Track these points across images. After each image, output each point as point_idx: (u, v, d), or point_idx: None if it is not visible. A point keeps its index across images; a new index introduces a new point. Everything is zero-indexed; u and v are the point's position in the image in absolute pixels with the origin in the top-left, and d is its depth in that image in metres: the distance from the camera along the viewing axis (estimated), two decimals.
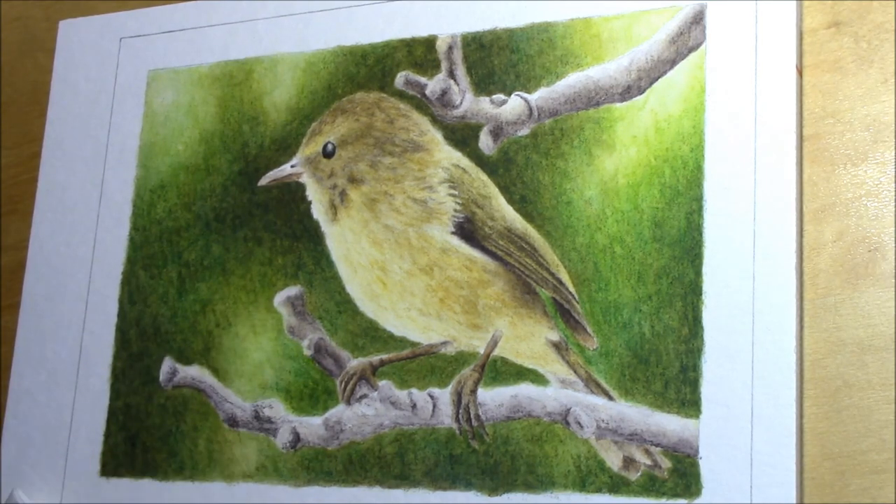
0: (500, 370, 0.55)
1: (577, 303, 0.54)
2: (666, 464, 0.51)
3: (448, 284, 0.56)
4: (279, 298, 0.60)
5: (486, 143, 0.57)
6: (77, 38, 0.68)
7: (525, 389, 0.54)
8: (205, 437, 0.59)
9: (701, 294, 0.52)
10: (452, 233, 0.56)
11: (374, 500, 0.55)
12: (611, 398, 0.52)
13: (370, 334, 0.57)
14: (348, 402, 0.57)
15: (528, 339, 0.55)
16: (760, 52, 0.52)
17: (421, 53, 0.59)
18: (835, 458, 0.49)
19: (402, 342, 0.57)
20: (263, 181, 0.61)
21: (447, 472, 0.54)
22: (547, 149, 0.56)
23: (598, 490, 0.52)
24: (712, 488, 0.50)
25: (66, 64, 0.68)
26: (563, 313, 0.54)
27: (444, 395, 0.55)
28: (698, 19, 0.54)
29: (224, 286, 0.61)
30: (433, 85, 0.59)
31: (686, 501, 0.50)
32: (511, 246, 0.55)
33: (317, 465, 0.57)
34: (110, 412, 0.62)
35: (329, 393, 0.58)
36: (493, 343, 0.55)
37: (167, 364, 0.61)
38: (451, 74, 0.58)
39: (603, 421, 0.52)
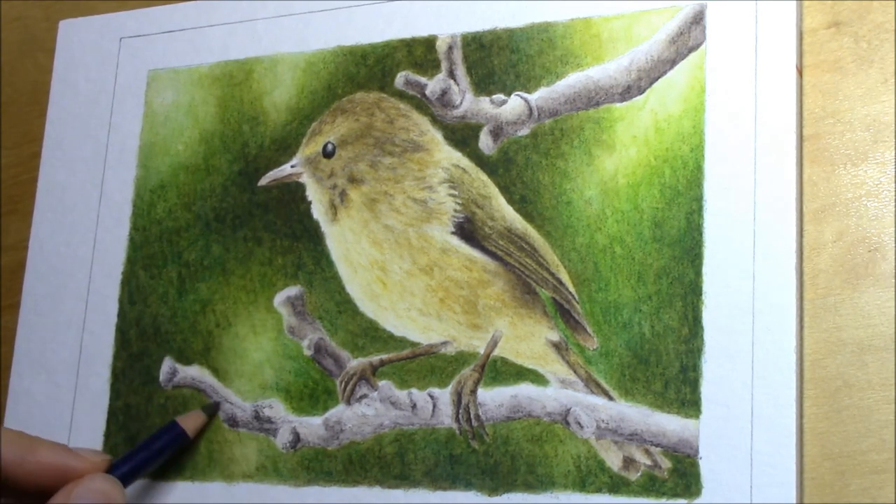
0: (500, 370, 0.55)
1: (577, 303, 0.54)
2: (666, 464, 0.51)
3: (448, 284, 0.56)
4: (279, 298, 0.60)
5: (486, 143, 0.57)
6: (77, 38, 0.68)
7: (525, 389, 0.54)
8: (205, 437, 0.59)
9: (701, 294, 0.52)
10: (452, 233, 0.56)
11: (374, 500, 0.55)
12: (611, 398, 0.52)
13: (370, 334, 0.57)
14: (348, 402, 0.57)
15: (528, 339, 0.55)
16: (760, 52, 0.52)
17: (421, 53, 0.59)
18: (835, 458, 0.49)
19: (402, 342, 0.57)
20: (263, 181, 0.61)
21: (447, 472, 0.54)
22: (547, 149, 0.56)
23: (598, 490, 0.52)
24: (712, 488, 0.50)
25: (66, 64, 0.68)
26: (563, 313, 0.54)
27: (444, 395, 0.55)
28: (698, 19, 0.54)
29: (224, 286, 0.61)
30: (433, 85, 0.59)
31: (686, 501, 0.50)
32: (511, 246, 0.55)
33: (317, 465, 0.57)
34: (110, 412, 0.62)
35: (329, 393, 0.58)
36: (493, 343, 0.55)
37: (167, 364, 0.61)
38: (451, 74, 0.58)
39: (603, 421, 0.52)
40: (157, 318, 0.62)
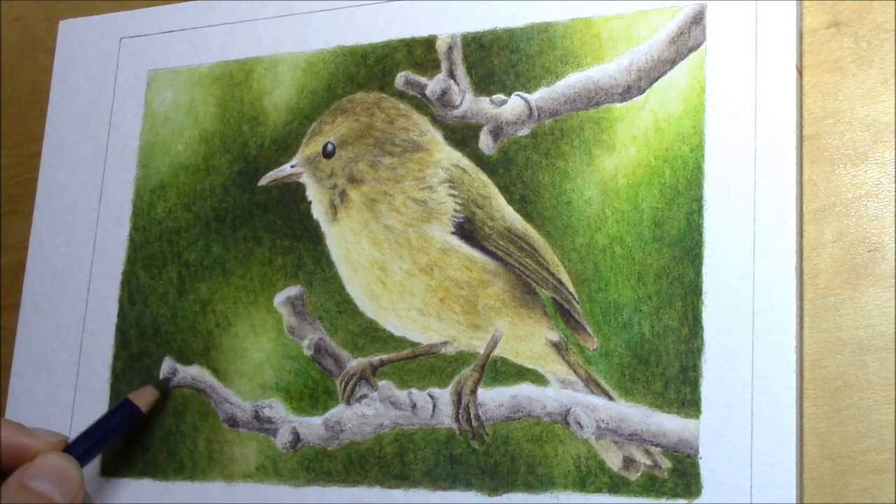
0: (500, 370, 0.55)
1: (577, 303, 0.54)
2: (666, 464, 0.51)
3: (448, 284, 0.56)
4: (279, 298, 0.60)
5: (486, 143, 0.57)
6: (77, 38, 0.68)
7: (525, 389, 0.54)
8: (205, 438, 0.59)
9: (701, 294, 0.52)
10: (452, 233, 0.56)
11: (374, 500, 0.55)
12: (611, 398, 0.52)
13: (370, 334, 0.57)
14: (348, 402, 0.57)
15: (528, 339, 0.55)
16: (760, 52, 0.52)
17: (421, 53, 0.59)
18: (835, 458, 0.49)
19: (402, 342, 0.57)
20: (263, 181, 0.61)
21: (447, 472, 0.54)
22: (547, 149, 0.56)
23: (598, 490, 0.52)
24: (712, 488, 0.50)
25: (66, 64, 0.68)
26: (563, 313, 0.54)
27: (444, 395, 0.55)
28: (698, 19, 0.54)
29: (224, 286, 0.61)
30: (433, 85, 0.59)
31: (686, 501, 0.50)
32: (511, 246, 0.55)
33: (317, 465, 0.57)
34: None
35: (329, 393, 0.58)
36: (493, 343, 0.55)
37: (167, 364, 0.61)
38: (451, 74, 0.58)
39: (603, 421, 0.52)
40: (157, 318, 0.62)
